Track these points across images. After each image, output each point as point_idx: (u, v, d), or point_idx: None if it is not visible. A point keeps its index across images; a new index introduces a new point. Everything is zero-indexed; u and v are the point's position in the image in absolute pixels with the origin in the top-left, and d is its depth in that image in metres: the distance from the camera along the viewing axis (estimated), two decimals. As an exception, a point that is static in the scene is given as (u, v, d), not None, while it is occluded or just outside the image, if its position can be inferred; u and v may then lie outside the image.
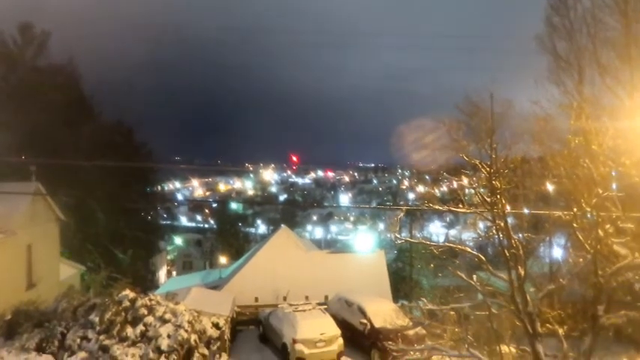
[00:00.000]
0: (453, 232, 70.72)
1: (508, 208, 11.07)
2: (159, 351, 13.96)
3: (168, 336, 14.27)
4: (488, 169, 10.90)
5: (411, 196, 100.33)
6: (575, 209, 10.41)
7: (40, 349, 13.98)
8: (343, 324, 18.64)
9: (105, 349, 13.80)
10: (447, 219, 75.31)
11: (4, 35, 33.53)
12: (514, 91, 12.18)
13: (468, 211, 11.77)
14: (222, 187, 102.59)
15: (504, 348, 11.25)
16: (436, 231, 75.62)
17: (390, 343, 14.10)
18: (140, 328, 14.43)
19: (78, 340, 14.13)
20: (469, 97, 11.44)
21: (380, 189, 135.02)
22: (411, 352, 12.98)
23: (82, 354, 13.73)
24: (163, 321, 14.66)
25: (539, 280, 12.09)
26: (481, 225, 12.34)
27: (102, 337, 14.09)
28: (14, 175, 20.78)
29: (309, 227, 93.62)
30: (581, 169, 10.41)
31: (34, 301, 16.24)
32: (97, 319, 14.49)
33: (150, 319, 14.63)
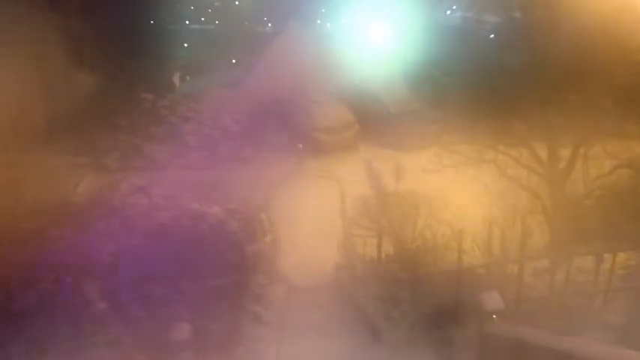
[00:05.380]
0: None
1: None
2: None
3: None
4: None
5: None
6: None
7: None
8: (359, 112, 19.00)
9: (137, 149, 14.86)
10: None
11: None
12: None
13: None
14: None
15: None
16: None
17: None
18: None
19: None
20: None
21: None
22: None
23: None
24: (186, 119, 15.54)
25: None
26: None
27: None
28: None
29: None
30: None
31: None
32: (124, 123, 15.31)
33: (173, 118, 15.52)
